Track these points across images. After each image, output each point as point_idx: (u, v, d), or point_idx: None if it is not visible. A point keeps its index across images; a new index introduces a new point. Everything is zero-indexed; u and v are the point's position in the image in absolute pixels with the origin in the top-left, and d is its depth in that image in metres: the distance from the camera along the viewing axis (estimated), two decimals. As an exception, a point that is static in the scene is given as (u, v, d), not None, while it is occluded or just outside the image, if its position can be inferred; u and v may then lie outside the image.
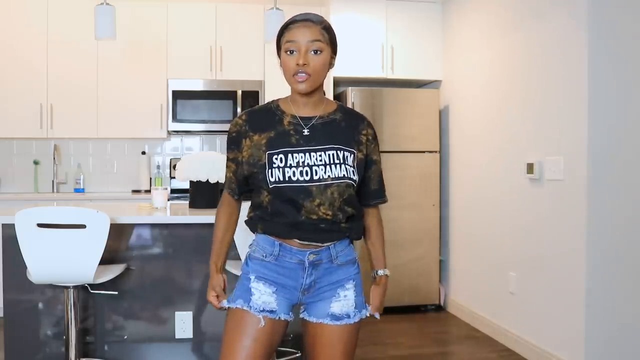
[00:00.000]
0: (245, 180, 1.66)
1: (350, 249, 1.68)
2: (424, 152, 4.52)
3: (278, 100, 1.69)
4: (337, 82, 4.79)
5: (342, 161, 1.58)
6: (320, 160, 1.57)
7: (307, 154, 1.57)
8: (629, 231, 2.87)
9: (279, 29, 1.62)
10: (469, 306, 4.21)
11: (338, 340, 1.62)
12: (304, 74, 1.54)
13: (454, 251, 4.51)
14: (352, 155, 1.62)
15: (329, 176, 1.55)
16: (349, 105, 4.34)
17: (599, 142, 2.86)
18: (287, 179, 1.54)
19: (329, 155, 1.58)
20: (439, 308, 4.60)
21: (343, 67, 4.37)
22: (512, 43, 3.61)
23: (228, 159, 1.70)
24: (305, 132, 1.60)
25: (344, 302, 1.63)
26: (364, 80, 4.68)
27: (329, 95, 4.39)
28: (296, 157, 1.56)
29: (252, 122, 1.64)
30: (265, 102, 1.72)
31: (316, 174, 1.55)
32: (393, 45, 4.60)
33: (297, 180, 1.54)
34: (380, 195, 1.75)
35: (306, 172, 1.55)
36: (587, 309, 2.87)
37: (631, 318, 2.88)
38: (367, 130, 1.69)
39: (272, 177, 1.55)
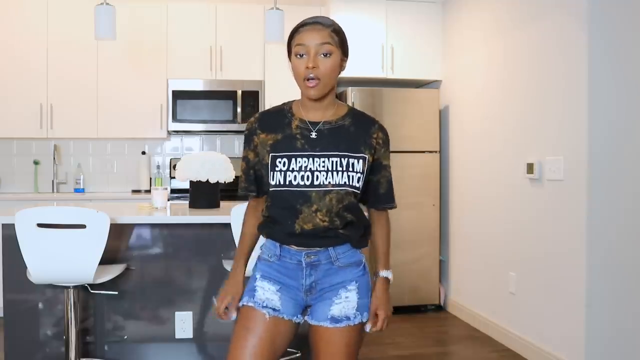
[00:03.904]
0: (260, 179, 1.68)
1: (354, 251, 1.67)
2: (423, 152, 4.52)
3: (292, 102, 1.70)
4: (337, 82, 4.77)
5: (345, 168, 1.58)
6: (323, 166, 1.57)
7: (311, 159, 1.57)
8: (629, 231, 2.87)
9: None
10: (469, 306, 4.21)
11: (339, 342, 1.62)
12: (314, 80, 1.54)
13: (454, 251, 4.51)
14: (362, 161, 1.61)
15: (329, 182, 1.56)
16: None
17: (599, 142, 2.86)
18: (287, 182, 1.56)
19: (332, 161, 1.58)
20: (439, 308, 4.60)
21: (343, 67, 4.36)
22: (512, 43, 3.61)
23: (242, 159, 1.72)
24: (312, 136, 1.60)
25: (344, 303, 1.63)
26: (364, 80, 4.67)
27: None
28: (299, 162, 1.57)
29: (262, 121, 1.66)
30: (282, 102, 1.72)
31: (317, 179, 1.56)
32: (393, 45, 4.60)
33: (297, 185, 1.56)
34: (388, 200, 1.72)
35: (307, 176, 1.56)
36: (587, 309, 2.86)
37: (631, 318, 2.88)
38: (378, 134, 1.67)
39: (273, 180, 1.58)
